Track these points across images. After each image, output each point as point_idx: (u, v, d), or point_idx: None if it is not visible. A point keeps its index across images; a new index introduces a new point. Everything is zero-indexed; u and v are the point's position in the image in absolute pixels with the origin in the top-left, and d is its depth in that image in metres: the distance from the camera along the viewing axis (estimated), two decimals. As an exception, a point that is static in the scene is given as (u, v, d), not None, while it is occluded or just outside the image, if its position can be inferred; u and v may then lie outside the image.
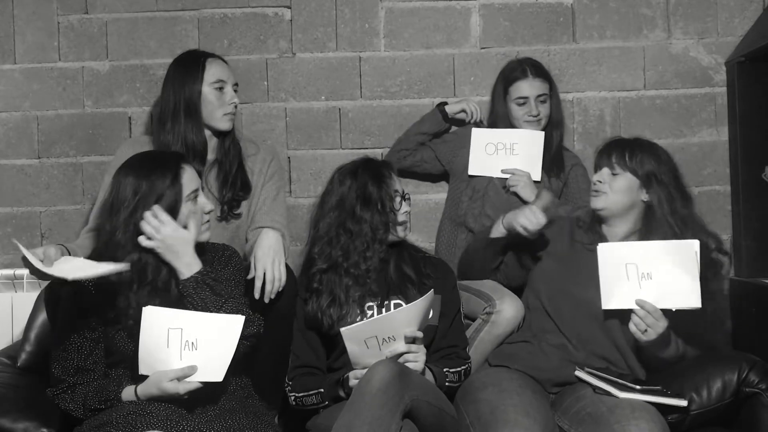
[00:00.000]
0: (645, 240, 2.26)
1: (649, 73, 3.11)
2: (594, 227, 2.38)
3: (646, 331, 2.12)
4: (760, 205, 2.95)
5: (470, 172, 2.85)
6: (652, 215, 2.29)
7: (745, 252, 2.97)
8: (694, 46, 3.10)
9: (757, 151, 2.95)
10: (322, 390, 2.20)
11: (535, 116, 2.79)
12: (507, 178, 2.79)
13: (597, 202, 2.33)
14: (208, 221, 2.16)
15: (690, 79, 3.10)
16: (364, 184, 2.31)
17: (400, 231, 2.35)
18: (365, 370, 2.02)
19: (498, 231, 2.41)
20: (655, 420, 1.99)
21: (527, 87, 2.79)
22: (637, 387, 2.09)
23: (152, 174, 2.05)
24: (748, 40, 3.01)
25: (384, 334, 2.07)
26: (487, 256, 2.46)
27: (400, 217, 2.33)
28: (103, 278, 1.98)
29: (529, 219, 2.31)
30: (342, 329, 2.08)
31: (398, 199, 2.33)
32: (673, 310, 2.14)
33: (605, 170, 2.32)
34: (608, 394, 2.08)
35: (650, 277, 2.14)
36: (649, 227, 2.29)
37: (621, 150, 2.32)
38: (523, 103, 2.79)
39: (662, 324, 2.12)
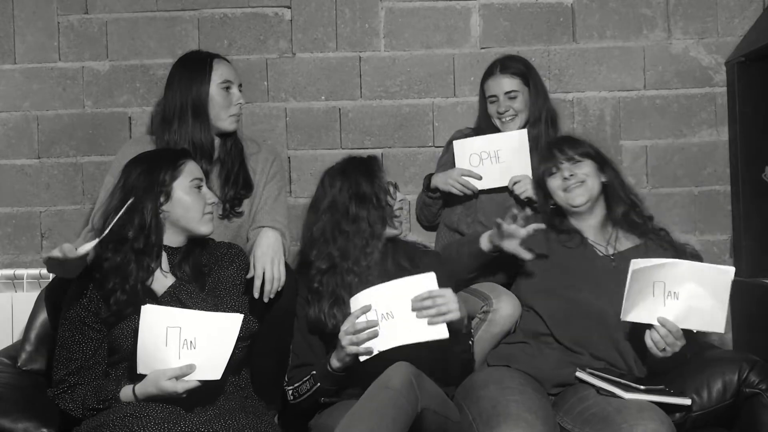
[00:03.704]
0: (609, 222, 2.36)
1: (649, 73, 3.11)
2: (564, 224, 2.40)
3: (664, 349, 2.10)
4: (760, 205, 2.94)
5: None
6: (612, 195, 2.36)
7: (745, 252, 2.97)
8: (694, 46, 3.10)
9: (757, 151, 2.94)
10: (314, 372, 2.18)
11: (502, 113, 2.74)
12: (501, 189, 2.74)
13: (576, 198, 2.35)
14: (210, 212, 2.18)
15: (690, 79, 3.10)
16: (356, 182, 2.30)
17: (397, 224, 2.36)
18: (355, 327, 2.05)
19: (486, 244, 2.37)
20: (664, 421, 1.98)
21: (494, 85, 2.75)
22: (641, 387, 2.08)
23: (158, 163, 2.13)
24: (748, 40, 3.01)
25: (383, 308, 2.07)
26: (469, 266, 2.43)
27: (396, 210, 2.35)
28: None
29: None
30: (352, 298, 2.11)
31: (392, 190, 2.35)
32: (695, 331, 2.12)
33: (566, 165, 2.37)
34: (612, 395, 2.08)
35: (677, 296, 2.09)
36: (612, 208, 2.36)
37: (562, 143, 2.41)
38: (494, 101, 2.76)
39: (680, 344, 2.10)
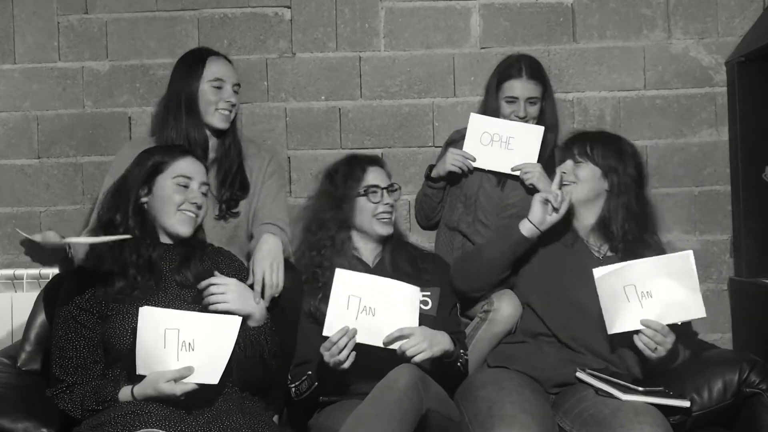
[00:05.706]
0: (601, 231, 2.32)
1: (649, 73, 3.11)
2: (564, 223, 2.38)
3: (656, 349, 2.11)
4: (760, 205, 2.94)
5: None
6: (611, 204, 2.32)
7: (745, 252, 2.97)
8: (694, 46, 3.10)
9: (757, 151, 2.94)
10: (310, 372, 2.20)
11: (521, 118, 2.72)
12: (497, 173, 2.74)
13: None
14: (189, 212, 2.15)
15: (690, 79, 3.10)
16: (330, 180, 2.43)
17: (377, 225, 2.36)
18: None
19: (527, 229, 2.31)
20: (659, 423, 1.97)
21: (519, 87, 2.71)
22: (640, 388, 2.08)
23: (153, 154, 2.19)
24: (748, 40, 3.01)
25: (369, 301, 2.08)
26: (506, 262, 2.35)
27: (379, 209, 2.36)
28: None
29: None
30: (338, 269, 2.12)
31: (374, 192, 2.36)
32: (679, 323, 2.13)
33: (568, 162, 2.36)
34: (610, 396, 2.08)
35: (650, 295, 2.12)
36: (607, 216, 2.32)
37: (582, 142, 2.37)
38: (512, 102, 2.73)
39: (670, 339, 2.11)
